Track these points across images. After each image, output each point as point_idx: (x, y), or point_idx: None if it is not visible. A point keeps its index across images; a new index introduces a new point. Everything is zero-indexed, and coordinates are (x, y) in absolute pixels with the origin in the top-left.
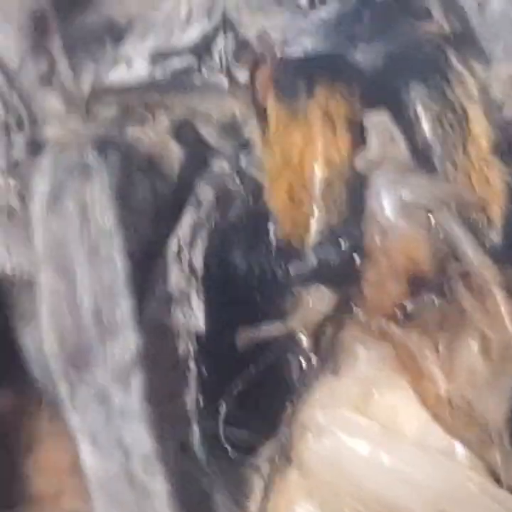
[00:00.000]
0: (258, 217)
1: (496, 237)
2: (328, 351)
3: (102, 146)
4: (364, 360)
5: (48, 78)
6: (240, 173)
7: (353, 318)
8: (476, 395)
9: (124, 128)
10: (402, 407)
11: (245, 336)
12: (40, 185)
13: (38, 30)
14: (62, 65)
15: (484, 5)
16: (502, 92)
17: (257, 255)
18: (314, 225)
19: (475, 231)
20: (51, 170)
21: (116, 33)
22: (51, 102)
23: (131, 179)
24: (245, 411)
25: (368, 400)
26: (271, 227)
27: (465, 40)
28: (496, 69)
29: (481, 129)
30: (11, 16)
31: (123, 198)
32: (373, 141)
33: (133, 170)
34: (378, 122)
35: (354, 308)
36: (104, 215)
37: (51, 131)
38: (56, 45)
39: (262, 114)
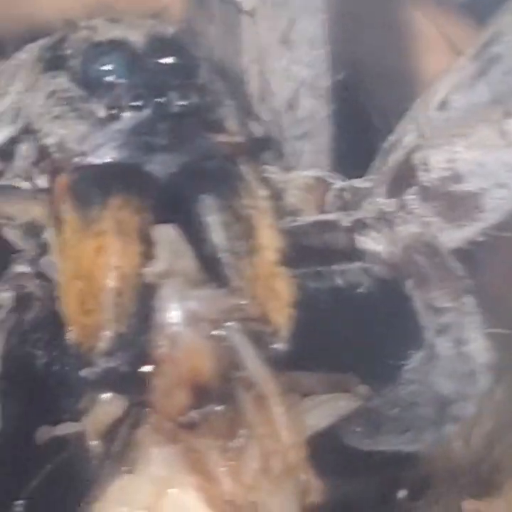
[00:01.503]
0: (58, 319)
1: (281, 345)
2: (122, 451)
3: None
4: (157, 460)
5: None
6: (40, 275)
7: (146, 420)
8: (260, 497)
9: None
10: (193, 507)
11: (45, 434)
12: None
13: None
14: None
15: (294, 104)
16: (298, 198)
17: (56, 357)
18: (104, 334)
19: (259, 342)
20: None
21: None
22: None
23: None
24: (41, 508)
25: (160, 499)
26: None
27: (265, 146)
28: (293, 176)
29: (268, 240)
30: None
31: None
32: (161, 254)
33: None
34: (166, 236)
35: (147, 411)
36: None
37: None
38: None
39: (58, 220)
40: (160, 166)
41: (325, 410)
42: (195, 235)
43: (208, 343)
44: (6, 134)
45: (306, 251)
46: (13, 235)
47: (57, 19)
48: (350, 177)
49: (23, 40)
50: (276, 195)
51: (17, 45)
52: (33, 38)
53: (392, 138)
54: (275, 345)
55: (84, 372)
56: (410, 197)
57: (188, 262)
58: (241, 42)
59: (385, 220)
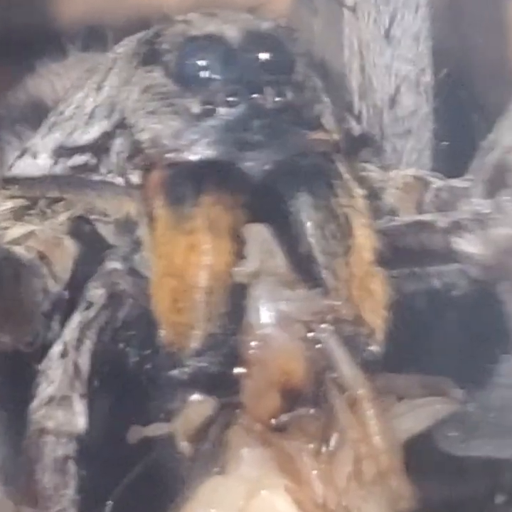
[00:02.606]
0: (150, 317)
1: (376, 347)
2: (213, 452)
3: None
4: (248, 461)
5: None
6: (133, 272)
7: (237, 421)
8: (352, 502)
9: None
10: (284, 510)
11: (135, 434)
12: None
13: None
14: None
15: (396, 101)
16: (396, 198)
17: (147, 356)
18: (194, 333)
19: (353, 344)
20: None
21: (43, 114)
22: None
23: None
24: (131, 508)
25: (250, 500)
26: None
27: (364, 144)
28: (393, 174)
29: (364, 239)
30: None
31: None
32: (253, 253)
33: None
34: (258, 235)
35: (237, 412)
36: None
37: None
38: None
39: (151, 217)
40: (254, 163)
41: (421, 414)
42: (288, 233)
43: (300, 345)
44: (101, 128)
45: (403, 251)
46: (106, 231)
47: (154, 13)
48: (450, 176)
49: (123, 33)
50: (374, 194)
51: (117, 38)
52: (131, 32)
53: (491, 137)
54: (370, 347)
55: (174, 372)
56: (506, 198)
57: (280, 261)
58: (343, 37)
59: (479, 221)
